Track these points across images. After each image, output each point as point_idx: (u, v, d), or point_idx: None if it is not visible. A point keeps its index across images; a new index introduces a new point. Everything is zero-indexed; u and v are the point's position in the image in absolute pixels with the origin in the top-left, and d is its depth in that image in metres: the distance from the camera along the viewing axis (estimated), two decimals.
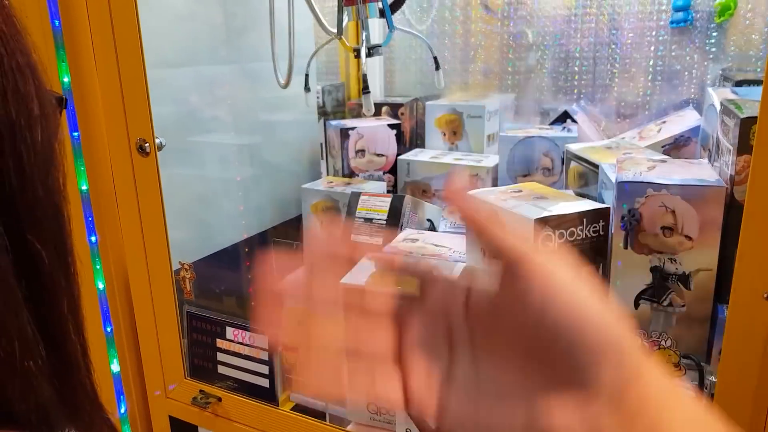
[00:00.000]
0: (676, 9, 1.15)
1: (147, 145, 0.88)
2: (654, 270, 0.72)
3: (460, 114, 1.28)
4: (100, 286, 0.99)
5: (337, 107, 1.44)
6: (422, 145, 1.37)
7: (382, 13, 0.98)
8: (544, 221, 0.70)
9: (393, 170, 1.28)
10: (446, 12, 1.41)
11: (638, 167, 0.76)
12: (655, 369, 0.28)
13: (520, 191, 0.81)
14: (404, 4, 1.04)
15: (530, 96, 1.36)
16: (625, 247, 0.72)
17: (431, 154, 1.28)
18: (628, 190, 0.70)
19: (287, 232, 1.36)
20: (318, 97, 1.39)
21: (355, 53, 1.01)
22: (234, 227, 1.29)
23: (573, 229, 0.72)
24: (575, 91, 1.31)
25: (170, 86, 1.09)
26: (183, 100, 1.14)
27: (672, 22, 1.16)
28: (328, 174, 1.36)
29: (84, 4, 0.85)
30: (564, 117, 1.26)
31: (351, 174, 1.27)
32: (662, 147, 1.04)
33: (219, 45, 1.21)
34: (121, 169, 0.92)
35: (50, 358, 0.33)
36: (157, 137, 0.89)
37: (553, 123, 1.28)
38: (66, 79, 0.87)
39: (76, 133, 0.91)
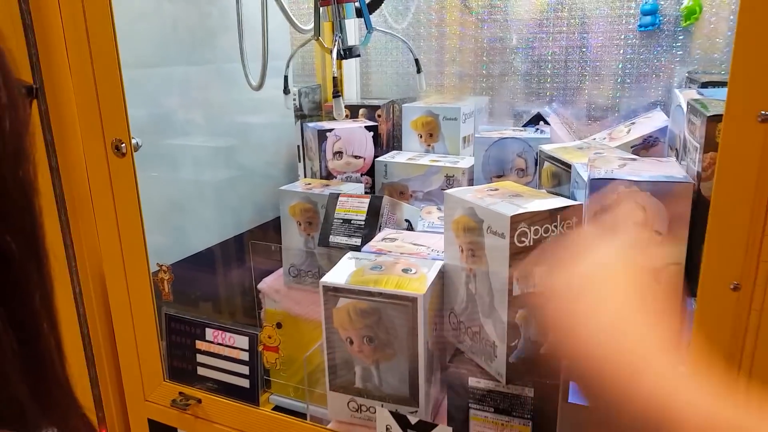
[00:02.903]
0: (644, 13, 1.18)
1: (123, 145, 0.88)
2: None
3: (437, 116, 1.30)
4: (77, 289, 0.97)
5: (313, 109, 1.45)
6: (399, 147, 1.38)
7: (359, 13, 0.98)
8: (519, 217, 0.72)
9: (370, 172, 1.29)
10: (421, 15, 1.43)
11: (609, 165, 0.78)
12: None
13: (496, 189, 0.83)
14: (382, 5, 1.05)
15: (504, 98, 1.39)
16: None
17: (408, 155, 1.29)
18: (599, 186, 0.72)
19: (265, 234, 1.35)
20: (294, 99, 1.39)
21: (340, 55, 1.01)
22: (210, 230, 1.29)
23: (547, 225, 0.74)
24: (547, 93, 1.34)
25: (144, 87, 1.08)
26: (158, 101, 1.13)
27: (640, 26, 1.20)
28: (305, 176, 1.36)
29: (56, 1, 0.84)
30: (537, 119, 1.29)
31: (329, 176, 1.27)
32: (631, 147, 1.07)
33: (194, 45, 1.20)
34: (96, 171, 0.91)
35: (23, 352, 0.33)
36: (133, 137, 0.88)
37: (526, 125, 1.30)
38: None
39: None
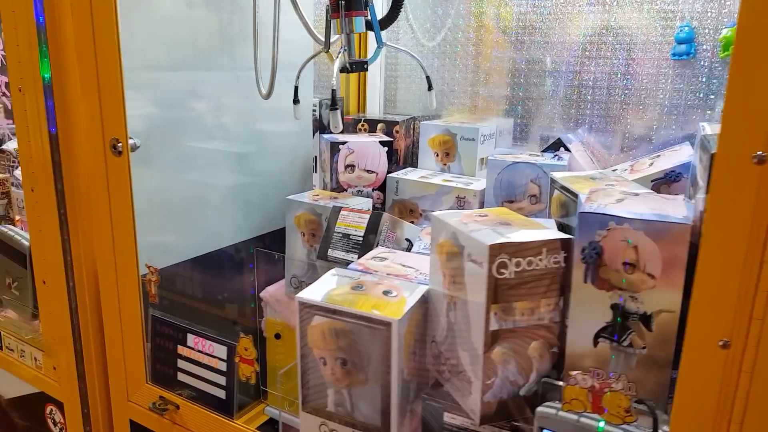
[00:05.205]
0: (679, 42, 1.12)
1: (120, 144, 0.88)
2: (614, 307, 0.69)
3: (454, 135, 1.26)
4: (70, 282, 0.99)
5: None
6: (417, 165, 1.35)
7: (369, 26, 0.96)
8: (499, 247, 0.68)
9: (383, 187, 1.27)
10: (459, 33, 1.41)
11: (606, 199, 0.72)
12: None
13: (486, 215, 0.79)
14: (396, 20, 1.03)
15: (535, 122, 1.34)
16: (585, 281, 0.69)
17: (421, 173, 1.26)
18: (589, 221, 0.67)
19: (273, 242, 1.35)
20: (314, 111, 1.39)
21: (345, 68, 1.00)
22: (219, 233, 1.29)
23: (531, 258, 0.69)
24: (576, 119, 1.28)
25: (164, 89, 1.10)
26: (177, 104, 1.14)
27: (674, 55, 1.13)
28: (319, 187, 1.35)
29: (68, 1, 0.86)
30: (557, 145, 1.23)
31: (339, 188, 1.26)
32: (652, 181, 1.00)
33: (215, 51, 1.22)
34: (94, 168, 0.92)
35: None
36: (131, 138, 0.89)
37: (545, 150, 1.25)
38: (47, 75, 0.89)
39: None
